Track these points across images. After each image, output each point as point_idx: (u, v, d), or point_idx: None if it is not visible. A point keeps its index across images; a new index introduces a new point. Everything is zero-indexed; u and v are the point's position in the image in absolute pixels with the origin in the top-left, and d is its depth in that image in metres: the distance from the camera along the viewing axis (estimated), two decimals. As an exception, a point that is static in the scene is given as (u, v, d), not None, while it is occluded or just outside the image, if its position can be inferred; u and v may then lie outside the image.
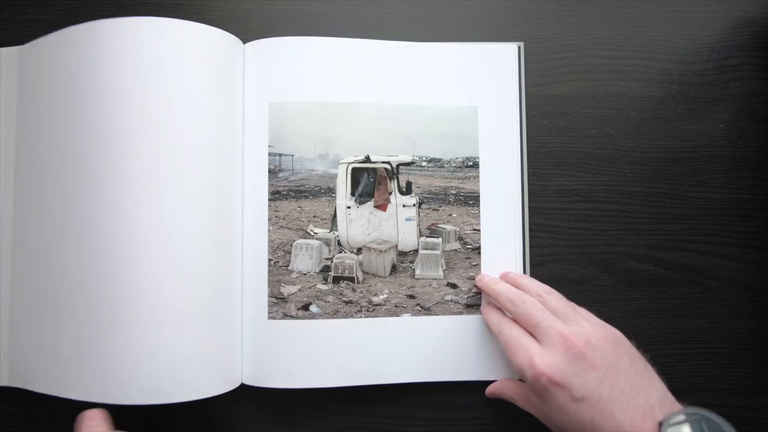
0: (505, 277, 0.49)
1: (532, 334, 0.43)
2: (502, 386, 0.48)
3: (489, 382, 0.49)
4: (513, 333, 0.43)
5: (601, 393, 0.38)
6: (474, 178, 0.50)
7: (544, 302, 0.44)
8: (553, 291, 0.46)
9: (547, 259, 0.51)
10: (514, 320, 0.45)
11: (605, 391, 0.38)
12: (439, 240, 0.50)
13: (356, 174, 0.50)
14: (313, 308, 0.48)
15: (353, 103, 0.49)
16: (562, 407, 0.39)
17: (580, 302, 0.51)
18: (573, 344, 0.39)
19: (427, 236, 0.50)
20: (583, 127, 0.52)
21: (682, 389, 0.50)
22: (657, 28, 0.53)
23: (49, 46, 0.48)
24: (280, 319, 0.47)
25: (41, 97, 0.48)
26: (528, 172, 0.51)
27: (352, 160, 0.49)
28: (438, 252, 0.50)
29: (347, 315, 0.48)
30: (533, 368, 0.40)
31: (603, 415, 0.37)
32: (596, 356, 0.39)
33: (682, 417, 0.36)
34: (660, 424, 0.36)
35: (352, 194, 0.50)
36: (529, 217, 0.51)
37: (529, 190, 0.51)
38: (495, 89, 0.51)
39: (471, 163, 0.50)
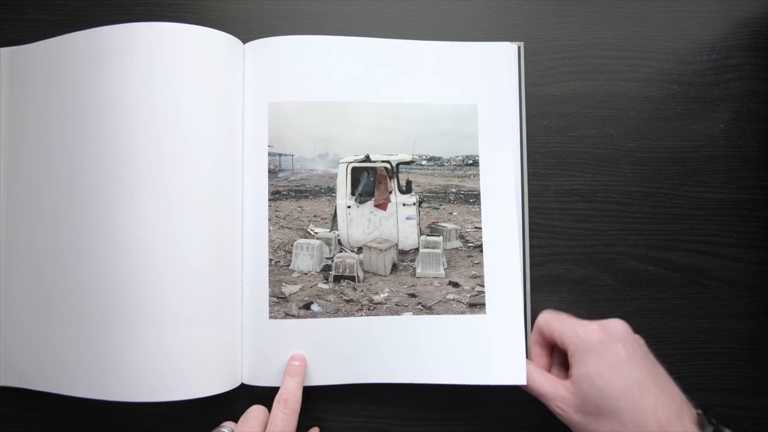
0: None
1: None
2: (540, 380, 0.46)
3: (492, 387, 0.47)
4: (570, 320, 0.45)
5: (646, 360, 0.42)
6: (474, 176, 0.50)
7: None
8: None
9: (547, 259, 0.51)
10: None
11: (647, 360, 0.42)
12: (440, 238, 0.50)
13: (356, 173, 0.50)
14: (315, 307, 0.48)
15: (353, 102, 0.49)
16: (617, 364, 0.40)
17: (580, 302, 0.51)
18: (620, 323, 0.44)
19: (427, 235, 0.50)
20: (583, 127, 0.52)
21: (682, 389, 0.50)
22: (657, 28, 0.53)
23: (49, 50, 0.49)
24: (281, 318, 0.47)
25: (40, 99, 0.48)
26: (528, 172, 0.51)
27: (352, 160, 0.49)
28: (439, 250, 0.50)
29: (348, 314, 0.48)
30: (609, 322, 0.43)
31: (649, 377, 0.40)
32: None
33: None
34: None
35: (352, 194, 0.50)
36: (529, 217, 0.51)
37: (529, 190, 0.51)
38: (494, 88, 0.51)
39: (471, 161, 0.50)
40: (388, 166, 0.50)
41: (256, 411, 0.44)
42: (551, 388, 0.43)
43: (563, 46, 0.53)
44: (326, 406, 0.49)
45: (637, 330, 0.51)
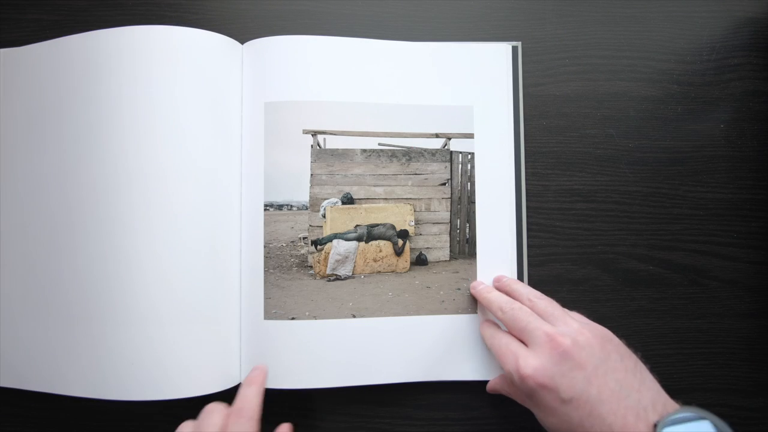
0: (498, 281, 0.48)
1: (521, 340, 0.42)
2: (501, 382, 0.48)
3: (487, 382, 0.49)
4: (503, 341, 0.43)
5: (590, 394, 0.37)
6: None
7: (534, 306, 0.43)
8: (545, 296, 0.45)
9: (547, 259, 0.51)
10: (507, 329, 0.44)
11: (593, 391, 0.37)
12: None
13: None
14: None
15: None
16: (551, 409, 0.39)
17: (580, 302, 0.51)
18: (558, 344, 0.39)
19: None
20: (583, 127, 0.52)
21: (682, 389, 0.50)
22: (657, 28, 0.53)
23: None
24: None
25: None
26: (528, 172, 0.51)
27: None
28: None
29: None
30: (518, 371, 0.40)
31: (592, 416, 0.37)
32: (583, 355, 0.39)
33: (677, 417, 0.35)
34: (655, 426, 0.35)
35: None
36: (529, 217, 0.51)
37: (529, 190, 0.51)
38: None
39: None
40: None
41: (211, 416, 0.42)
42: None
43: (563, 46, 0.53)
44: (326, 406, 0.49)
45: (637, 330, 0.51)
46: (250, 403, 0.43)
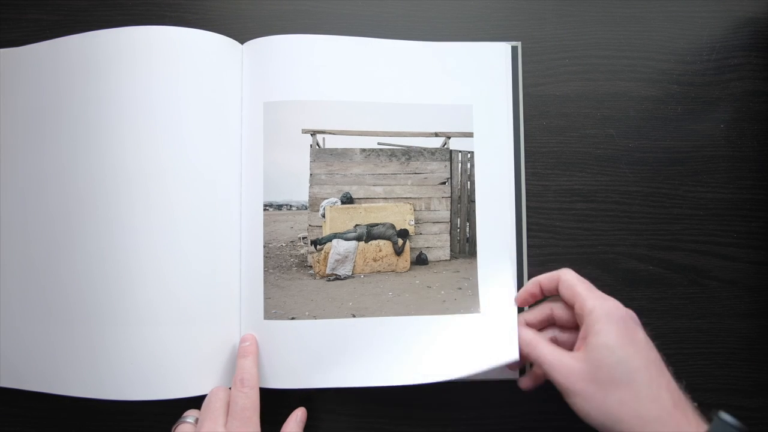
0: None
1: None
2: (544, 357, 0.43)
3: (491, 384, 0.49)
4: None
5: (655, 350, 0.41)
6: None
7: None
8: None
9: (547, 259, 0.51)
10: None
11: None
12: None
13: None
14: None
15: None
16: (639, 341, 0.40)
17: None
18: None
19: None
20: (583, 127, 0.52)
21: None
22: (657, 28, 0.53)
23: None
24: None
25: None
26: (528, 172, 0.51)
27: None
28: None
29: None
30: (620, 308, 0.41)
31: (661, 362, 0.40)
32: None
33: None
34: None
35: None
36: (529, 217, 0.51)
37: (529, 190, 0.51)
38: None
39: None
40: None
41: (216, 394, 0.44)
42: (556, 355, 0.41)
43: (563, 46, 0.53)
44: (326, 406, 0.49)
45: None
46: (249, 372, 0.45)
